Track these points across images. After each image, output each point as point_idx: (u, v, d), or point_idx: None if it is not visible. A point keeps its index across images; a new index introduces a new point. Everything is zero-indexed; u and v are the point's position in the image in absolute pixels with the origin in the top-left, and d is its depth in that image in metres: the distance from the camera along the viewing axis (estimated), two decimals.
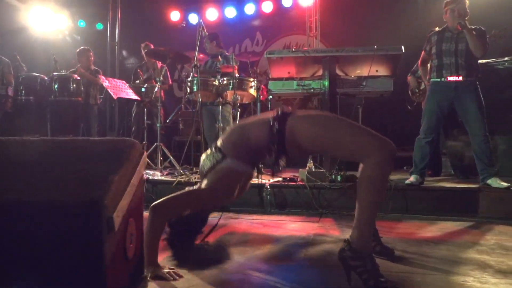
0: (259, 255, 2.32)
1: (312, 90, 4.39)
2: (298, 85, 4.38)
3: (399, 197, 3.81)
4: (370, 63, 4.12)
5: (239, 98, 4.86)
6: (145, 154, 1.60)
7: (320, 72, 4.38)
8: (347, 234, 2.81)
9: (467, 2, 3.85)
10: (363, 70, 4.29)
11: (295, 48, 8.17)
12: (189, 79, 4.95)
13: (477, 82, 3.88)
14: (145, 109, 5.47)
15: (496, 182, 3.69)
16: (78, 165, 1.35)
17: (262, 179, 4.33)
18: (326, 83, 4.21)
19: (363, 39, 6.61)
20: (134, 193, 1.40)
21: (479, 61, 3.93)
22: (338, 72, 4.33)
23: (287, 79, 4.45)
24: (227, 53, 5.65)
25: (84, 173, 1.29)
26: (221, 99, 4.99)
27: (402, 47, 4.05)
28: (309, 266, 2.14)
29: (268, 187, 3.99)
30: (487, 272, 2.00)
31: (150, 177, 4.32)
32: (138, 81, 5.82)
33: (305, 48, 7.68)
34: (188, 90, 4.93)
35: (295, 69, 4.41)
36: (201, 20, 4.94)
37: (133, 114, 6.10)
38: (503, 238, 2.78)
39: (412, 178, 3.98)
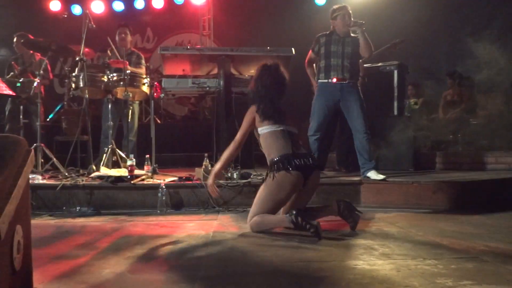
0: (158, 257, 2.23)
1: (207, 89, 4.39)
2: (193, 83, 4.34)
3: None
4: None
5: (130, 95, 4.64)
6: (32, 152, 1.43)
7: (215, 71, 4.40)
8: (246, 230, 2.90)
9: (350, 10, 4.20)
10: None
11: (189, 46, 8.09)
12: (74, 74, 4.58)
13: (358, 84, 4.26)
14: (21, 106, 4.90)
15: (375, 175, 4.08)
16: None
17: (156, 179, 4.22)
18: (222, 81, 4.24)
19: (255, 40, 6.83)
20: (21, 197, 1.23)
21: (365, 65, 4.32)
22: (233, 71, 4.40)
23: (181, 76, 4.38)
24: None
25: None
26: (110, 96, 4.71)
27: (293, 49, 4.26)
28: (211, 264, 2.12)
29: (164, 187, 3.87)
30: (374, 255, 2.20)
31: (30, 181, 3.89)
32: (12, 74, 5.21)
33: (198, 46, 7.65)
34: (73, 86, 4.55)
35: (190, 66, 4.36)
36: (87, 11, 4.59)
37: (7, 112, 5.44)
38: (382, 224, 3.08)
39: None
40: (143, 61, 5.25)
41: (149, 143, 4.87)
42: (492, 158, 5.15)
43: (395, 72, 5.35)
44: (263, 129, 2.91)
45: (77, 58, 4.39)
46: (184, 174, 4.38)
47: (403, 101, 5.67)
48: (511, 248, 2.31)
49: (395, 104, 5.42)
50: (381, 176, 4.07)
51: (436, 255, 2.18)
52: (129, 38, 5.31)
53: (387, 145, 5.07)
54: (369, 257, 2.16)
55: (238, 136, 3.00)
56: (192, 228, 3.03)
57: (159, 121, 7.01)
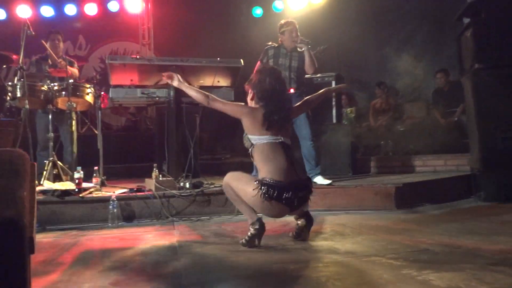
0: (134, 269, 2.22)
1: (156, 99, 4.36)
2: (142, 93, 4.28)
3: None
4: (214, 74, 4.33)
5: (75, 105, 4.46)
6: (36, 165, 1.39)
7: (164, 81, 4.38)
8: (209, 238, 2.96)
9: (297, 25, 4.43)
10: (206, 81, 4.47)
11: (132, 55, 7.89)
12: (10, 83, 4.31)
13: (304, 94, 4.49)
14: None
15: (322, 180, 4.33)
16: None
17: (105, 191, 4.10)
18: (172, 92, 4.24)
19: (195, 50, 6.85)
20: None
21: (306, 76, 4.57)
22: None
23: (130, 86, 4.31)
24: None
25: None
26: (51, 106, 4.49)
27: (241, 60, 4.39)
28: (189, 272, 2.15)
29: (115, 199, 3.78)
30: (340, 254, 2.38)
31: None
32: None
33: (134, 56, 7.51)
34: (10, 95, 4.28)
35: (138, 76, 4.30)
36: (26, 19, 4.36)
37: None
38: (334, 226, 3.29)
39: None
40: (76, 65, 5.17)
41: (90, 155, 4.72)
42: (420, 162, 5.67)
43: (333, 82, 5.69)
44: (262, 139, 2.66)
45: (16, 67, 4.15)
46: (131, 186, 4.31)
47: (340, 109, 6.04)
48: (453, 241, 2.60)
49: (334, 112, 5.75)
50: (327, 181, 4.32)
51: (393, 250, 2.40)
52: (61, 45, 5.15)
53: (327, 151, 5.38)
54: (336, 256, 2.33)
55: (218, 103, 2.80)
56: (153, 239, 3.02)
57: (96, 132, 6.76)
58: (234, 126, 6.76)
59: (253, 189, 2.55)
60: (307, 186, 2.72)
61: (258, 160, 2.69)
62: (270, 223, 3.37)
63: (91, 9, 8.17)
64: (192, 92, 2.92)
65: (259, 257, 2.36)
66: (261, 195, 2.51)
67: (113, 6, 8.06)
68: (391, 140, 6.32)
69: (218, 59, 4.28)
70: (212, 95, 2.86)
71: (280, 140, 2.68)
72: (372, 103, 7.18)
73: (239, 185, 2.70)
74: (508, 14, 4.46)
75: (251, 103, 2.83)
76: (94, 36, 8.43)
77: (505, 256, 2.17)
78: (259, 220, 2.65)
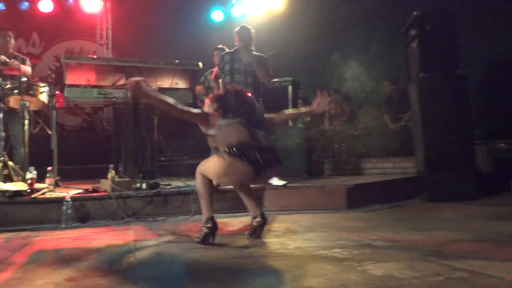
0: (89, 266, 2.24)
1: (114, 99, 4.34)
2: (99, 93, 4.26)
3: None
4: (172, 76, 4.38)
5: (28, 104, 4.36)
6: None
7: (121, 81, 4.38)
8: (164, 237, 3.01)
9: (253, 31, 4.55)
10: (164, 82, 4.51)
11: (88, 54, 7.75)
12: None
13: (260, 98, 4.62)
14: None
15: (277, 181, 4.46)
16: None
17: (58, 192, 4.04)
18: (130, 93, 4.24)
19: (154, 52, 6.85)
20: None
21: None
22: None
23: (86, 86, 4.27)
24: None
25: None
26: (2, 105, 4.37)
27: (200, 63, 4.47)
28: (146, 267, 2.21)
29: (69, 200, 3.74)
30: (289, 249, 2.51)
31: None
32: None
33: (92, 56, 7.39)
34: None
35: (95, 76, 4.28)
36: None
37: None
38: (288, 224, 3.43)
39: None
40: (29, 62, 5.03)
41: (43, 155, 4.61)
42: (370, 164, 5.95)
43: (289, 87, 5.88)
44: (220, 123, 2.76)
45: None
46: (87, 187, 4.27)
47: None
48: (395, 236, 2.80)
49: None
50: (282, 182, 4.46)
51: (340, 245, 2.56)
52: (12, 41, 5.01)
53: (283, 154, 5.53)
54: (287, 251, 2.46)
55: (184, 114, 2.79)
56: (108, 239, 3.03)
57: (50, 132, 6.59)
58: (191, 128, 6.85)
59: (219, 157, 2.62)
60: (272, 151, 2.77)
61: (220, 142, 2.72)
62: (225, 222, 3.48)
63: (46, 6, 7.95)
64: (160, 104, 2.82)
65: (212, 254, 2.45)
66: (227, 154, 2.57)
67: (70, 4, 7.88)
68: (344, 143, 6.59)
69: (177, 61, 4.34)
70: (180, 106, 2.79)
71: (239, 121, 2.76)
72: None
73: (206, 163, 2.77)
74: (450, 26, 4.80)
75: (209, 109, 2.88)
76: (49, 33, 8.21)
77: (438, 248, 2.38)
78: (212, 218, 2.75)
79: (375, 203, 4.41)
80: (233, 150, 2.58)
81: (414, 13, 4.85)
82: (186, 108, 2.84)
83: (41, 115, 6.23)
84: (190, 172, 6.32)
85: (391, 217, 3.67)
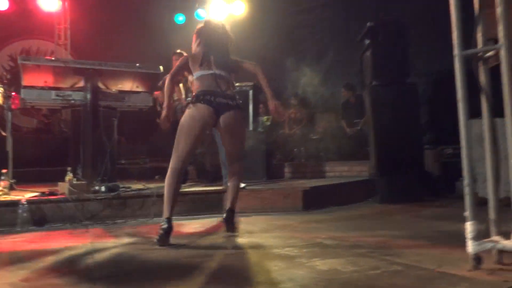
0: (45, 267, 2.26)
1: (72, 102, 4.32)
2: (57, 95, 4.22)
3: (161, 203, 4.16)
4: (133, 79, 4.41)
5: None
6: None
7: (81, 84, 4.36)
8: (123, 239, 3.04)
9: None
10: (125, 85, 4.52)
11: (46, 54, 7.57)
12: None
13: None
14: None
15: None
16: None
17: (14, 195, 3.98)
18: (89, 95, 4.24)
19: (116, 54, 6.81)
20: None
21: None
22: (100, 85, 4.42)
23: (43, 88, 4.22)
24: None
25: None
26: None
27: (161, 67, 4.52)
28: (103, 267, 2.25)
29: (25, 203, 3.70)
30: (244, 248, 2.63)
31: None
32: None
33: (49, 57, 7.25)
34: None
35: (53, 78, 4.23)
36: None
37: None
38: (246, 226, 3.52)
39: None
40: None
41: None
42: (328, 167, 6.19)
43: (250, 92, 6.01)
44: (196, 74, 3.11)
45: None
46: (43, 189, 4.22)
47: (257, 118, 6.36)
48: (343, 235, 2.98)
49: (250, 120, 6.06)
50: (242, 185, 4.56)
51: (292, 244, 2.71)
52: None
53: (244, 157, 5.65)
54: (241, 250, 2.59)
55: (173, 72, 3.22)
56: (65, 241, 3.03)
57: (4, 133, 6.41)
58: (153, 131, 6.86)
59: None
60: (233, 98, 3.08)
61: (195, 89, 3.12)
62: (184, 224, 3.56)
63: (0, 4, 7.71)
64: (167, 91, 3.14)
65: (169, 253, 2.53)
66: (192, 102, 3.00)
67: (26, 3, 7.68)
68: (304, 147, 6.80)
69: (138, 64, 4.37)
70: (167, 81, 3.16)
71: (211, 72, 3.07)
72: (288, 113, 7.63)
73: (173, 149, 3.04)
74: (401, 37, 5.10)
75: (196, 49, 3.26)
76: (3, 32, 7.95)
77: (380, 245, 2.57)
78: (168, 220, 2.84)
79: (331, 205, 4.61)
80: (196, 97, 2.98)
81: (368, 24, 5.12)
82: (171, 74, 3.21)
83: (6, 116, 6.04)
84: (151, 175, 6.41)
85: (343, 218, 3.87)
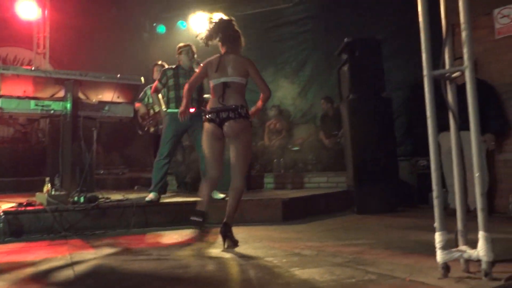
0: (24, 279, 2.26)
1: (52, 111, 4.30)
2: (36, 105, 4.20)
3: (140, 213, 4.21)
4: (114, 90, 4.42)
5: None
6: None
7: (60, 94, 4.35)
8: (103, 250, 3.05)
9: (194, 47, 4.73)
10: (105, 96, 4.53)
11: (24, 62, 7.47)
12: None
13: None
14: None
15: (216, 194, 4.62)
16: None
17: None
18: (69, 105, 4.23)
19: (96, 64, 6.79)
20: None
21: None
22: (81, 95, 4.42)
23: (22, 97, 4.19)
24: None
25: None
26: None
27: (142, 78, 4.55)
28: (85, 279, 2.27)
29: (1, 214, 3.66)
30: (223, 258, 2.68)
31: None
32: None
33: (28, 66, 7.20)
34: None
35: (32, 88, 4.21)
36: None
37: None
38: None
39: (151, 196, 4.47)
40: None
41: None
42: (307, 179, 6.29)
43: None
44: (211, 83, 3.35)
45: None
46: (20, 200, 4.18)
47: None
48: (321, 245, 3.06)
49: None
50: (221, 196, 4.62)
51: (272, 254, 2.78)
52: None
53: (223, 168, 5.70)
54: (222, 260, 2.63)
55: (193, 81, 3.51)
56: (44, 253, 3.02)
57: None
58: (132, 141, 6.85)
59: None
60: (229, 109, 3.21)
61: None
62: (165, 235, 3.59)
63: None
64: (186, 94, 3.55)
65: (151, 265, 2.56)
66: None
67: (3, 10, 7.59)
68: (283, 158, 6.89)
69: (118, 75, 4.39)
70: (186, 91, 3.53)
71: (221, 81, 3.26)
72: (267, 124, 7.74)
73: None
74: (377, 53, 5.28)
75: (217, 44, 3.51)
76: None
77: (356, 256, 2.66)
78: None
79: (309, 215, 4.70)
80: (204, 115, 3.34)
81: (346, 40, 5.28)
82: (189, 84, 3.52)
83: None
84: (130, 185, 6.39)
85: (321, 228, 3.96)
